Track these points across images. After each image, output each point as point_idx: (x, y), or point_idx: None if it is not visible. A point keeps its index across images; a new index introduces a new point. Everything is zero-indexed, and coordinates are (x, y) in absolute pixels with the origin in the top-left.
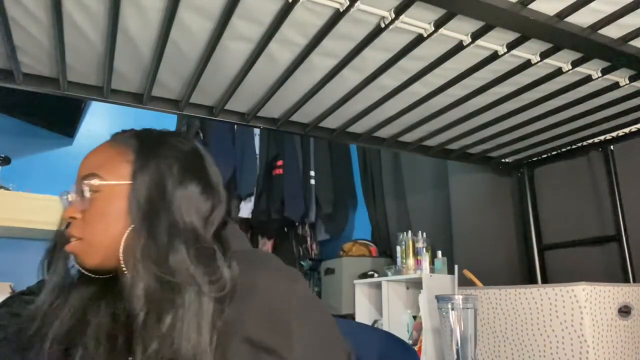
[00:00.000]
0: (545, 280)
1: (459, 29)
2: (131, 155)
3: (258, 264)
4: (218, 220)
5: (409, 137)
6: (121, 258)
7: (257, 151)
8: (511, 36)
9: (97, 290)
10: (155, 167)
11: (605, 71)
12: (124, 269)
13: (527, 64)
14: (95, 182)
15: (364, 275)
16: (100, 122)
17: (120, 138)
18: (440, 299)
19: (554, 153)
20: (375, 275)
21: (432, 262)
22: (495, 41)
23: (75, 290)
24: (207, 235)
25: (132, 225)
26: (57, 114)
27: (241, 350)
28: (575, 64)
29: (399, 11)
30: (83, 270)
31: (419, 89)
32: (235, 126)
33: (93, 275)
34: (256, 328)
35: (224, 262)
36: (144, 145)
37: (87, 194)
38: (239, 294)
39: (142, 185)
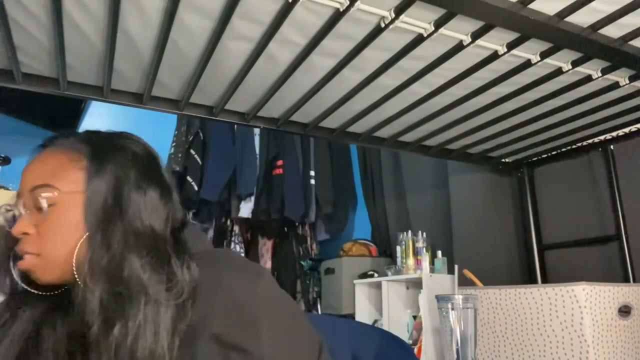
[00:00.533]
0: (545, 280)
1: (459, 29)
2: (83, 161)
3: (219, 262)
4: (176, 223)
5: (409, 137)
6: (74, 270)
7: (257, 151)
8: (511, 36)
9: (51, 305)
10: (111, 172)
11: (605, 71)
12: (78, 280)
13: (527, 64)
14: (53, 194)
15: (364, 275)
16: (100, 122)
17: (67, 143)
18: (440, 298)
19: (554, 153)
20: (375, 275)
21: (432, 262)
22: (495, 41)
23: (26, 307)
24: (166, 240)
25: (86, 234)
26: (57, 113)
27: (210, 349)
28: (575, 63)
29: (399, 11)
30: (29, 288)
31: (419, 88)
32: (235, 126)
33: (42, 293)
34: (222, 325)
35: (182, 265)
36: (96, 149)
37: (45, 205)
38: (202, 293)
39: (98, 193)
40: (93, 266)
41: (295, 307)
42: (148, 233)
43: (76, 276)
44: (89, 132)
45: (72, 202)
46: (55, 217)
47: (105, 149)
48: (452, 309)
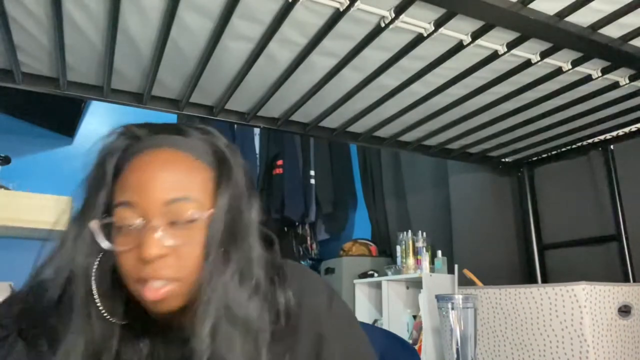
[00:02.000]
0: (545, 280)
1: (459, 29)
2: (210, 172)
3: (299, 281)
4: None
5: (409, 137)
6: (201, 292)
7: (257, 151)
8: (511, 36)
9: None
10: (233, 189)
11: (605, 71)
12: (199, 304)
13: (527, 64)
14: (196, 209)
15: (364, 275)
16: (100, 121)
17: (195, 149)
18: (440, 298)
19: (554, 152)
20: (375, 274)
21: (432, 262)
22: (496, 41)
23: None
24: (270, 264)
25: (211, 257)
26: (57, 113)
27: None
28: (575, 63)
29: (399, 11)
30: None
31: (419, 88)
32: (235, 126)
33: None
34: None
35: (283, 290)
36: (221, 162)
37: (189, 219)
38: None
39: (226, 212)
40: (219, 290)
41: (359, 325)
42: (261, 256)
43: (201, 299)
44: (209, 134)
45: (206, 219)
46: (195, 235)
47: (227, 163)
48: (452, 308)
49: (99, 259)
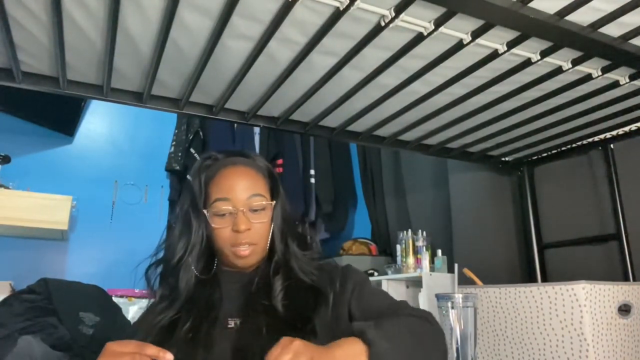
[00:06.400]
0: (545, 279)
1: (459, 28)
2: (265, 179)
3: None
4: None
5: (408, 136)
6: (276, 257)
7: (257, 150)
8: (511, 35)
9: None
10: (280, 191)
11: (605, 70)
12: (274, 266)
13: (527, 63)
14: (264, 202)
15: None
16: (100, 120)
17: (256, 165)
18: (440, 297)
19: (554, 152)
20: (375, 274)
21: (432, 261)
22: (496, 40)
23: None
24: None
25: (276, 231)
26: (57, 112)
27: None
28: (575, 62)
29: (399, 9)
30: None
31: (419, 87)
32: (235, 125)
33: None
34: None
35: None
36: (271, 175)
37: (260, 208)
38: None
39: (280, 204)
40: (287, 255)
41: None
42: (299, 235)
43: (276, 258)
44: (260, 158)
45: (269, 208)
46: (264, 217)
47: (274, 175)
48: (452, 307)
49: (201, 237)
